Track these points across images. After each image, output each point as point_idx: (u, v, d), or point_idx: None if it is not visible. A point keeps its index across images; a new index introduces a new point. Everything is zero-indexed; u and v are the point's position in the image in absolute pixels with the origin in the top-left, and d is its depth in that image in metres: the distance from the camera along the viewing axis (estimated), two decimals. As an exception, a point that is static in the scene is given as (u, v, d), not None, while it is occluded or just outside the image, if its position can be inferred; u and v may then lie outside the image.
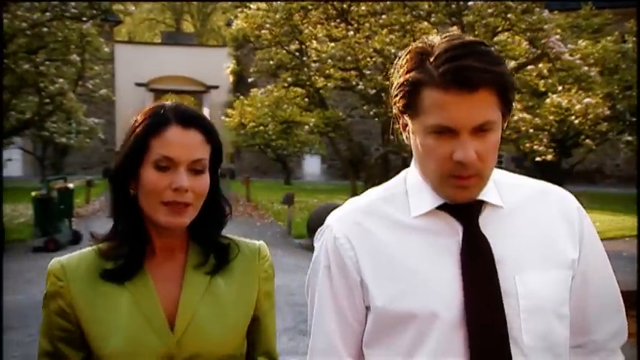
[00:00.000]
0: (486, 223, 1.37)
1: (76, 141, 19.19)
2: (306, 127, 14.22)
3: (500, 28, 12.94)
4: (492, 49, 1.31)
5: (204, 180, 1.43)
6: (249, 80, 16.17)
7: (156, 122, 1.41)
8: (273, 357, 1.60)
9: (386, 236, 1.40)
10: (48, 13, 13.01)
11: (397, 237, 1.39)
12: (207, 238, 1.51)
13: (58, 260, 1.49)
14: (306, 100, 14.87)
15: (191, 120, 1.42)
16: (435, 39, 1.30)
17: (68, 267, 1.46)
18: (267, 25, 13.81)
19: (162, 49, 33.00)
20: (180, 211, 1.40)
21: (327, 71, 12.96)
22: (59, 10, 13.11)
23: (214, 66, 26.29)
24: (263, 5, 13.95)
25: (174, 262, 1.49)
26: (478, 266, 1.34)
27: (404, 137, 1.37)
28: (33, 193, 11.41)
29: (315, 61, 13.19)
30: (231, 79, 26.54)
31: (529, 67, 13.76)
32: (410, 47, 1.33)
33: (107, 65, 21.56)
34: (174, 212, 1.40)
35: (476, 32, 12.89)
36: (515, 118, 14.52)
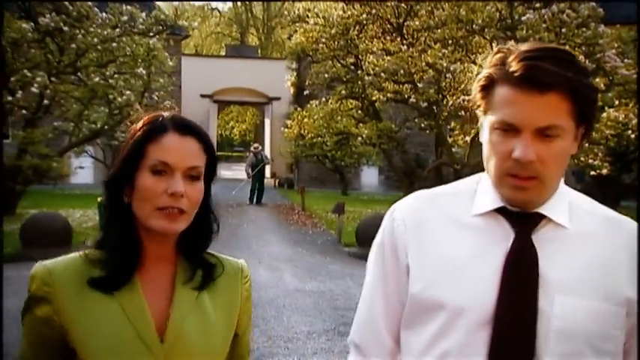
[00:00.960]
0: (544, 238, 1.35)
1: None
2: (360, 138, 14.52)
3: (554, 43, 12.96)
4: (576, 58, 1.30)
5: (199, 188, 1.44)
6: (305, 93, 16.60)
7: (153, 129, 1.42)
8: None
9: (440, 228, 1.43)
10: (117, 30, 13.78)
11: (451, 231, 1.41)
12: (195, 253, 1.51)
13: (43, 264, 1.44)
14: (361, 112, 15.18)
15: (188, 128, 1.44)
16: (524, 45, 1.32)
17: (55, 271, 1.42)
18: (324, 40, 14.21)
19: (227, 61, 33.79)
20: (174, 216, 1.40)
21: (381, 84, 13.22)
22: (128, 26, 13.86)
23: (276, 78, 26.79)
24: (320, 20, 14.35)
25: (163, 275, 1.48)
26: (519, 275, 1.33)
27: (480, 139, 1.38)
28: (99, 199, 12.08)
29: (369, 75, 13.48)
30: (291, 91, 27.13)
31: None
32: (500, 47, 1.35)
33: (174, 77, 22.37)
34: (168, 218, 1.39)
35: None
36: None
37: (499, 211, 1.37)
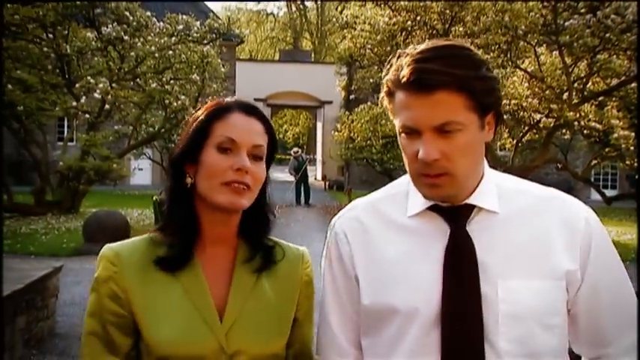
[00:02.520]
0: (478, 227, 1.38)
1: None
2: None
3: (599, 47, 13.01)
4: (469, 52, 1.32)
5: (262, 167, 1.45)
6: (351, 97, 17.01)
7: (220, 109, 1.45)
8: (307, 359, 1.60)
9: (380, 234, 1.44)
10: (174, 38, 14.52)
11: (390, 235, 1.43)
12: (256, 236, 1.52)
13: (110, 246, 1.49)
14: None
15: (253, 109, 1.47)
16: (420, 46, 1.34)
17: (121, 253, 1.47)
18: (369, 46, 14.62)
19: (280, 66, 34.30)
20: (240, 191, 1.41)
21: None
22: (183, 34, 14.59)
23: (328, 82, 27.13)
24: (367, 27, 14.76)
25: (224, 257, 1.50)
26: (459, 268, 1.35)
27: None
28: (154, 197, 12.75)
29: (413, 80, 13.81)
30: (342, 95, 27.56)
31: (632, 84, 13.66)
32: (402, 50, 1.37)
33: (228, 82, 23.09)
34: (235, 192, 1.41)
35: (574, 51, 13.08)
36: (616, 135, 14.47)
37: (432, 208, 1.39)
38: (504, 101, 13.13)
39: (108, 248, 1.48)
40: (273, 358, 1.48)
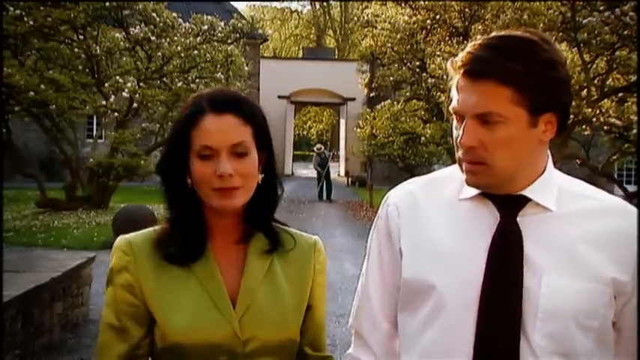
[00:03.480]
0: (530, 220, 1.36)
1: None
2: (423, 138, 15.11)
3: (618, 44, 13.12)
4: (532, 46, 1.29)
5: (249, 162, 1.44)
6: (372, 95, 17.27)
7: (192, 113, 1.44)
8: (317, 347, 1.59)
9: (432, 211, 1.44)
10: (199, 38, 14.92)
11: (441, 214, 1.43)
12: (259, 217, 1.52)
13: (124, 237, 1.51)
14: (426, 113, 15.76)
15: (225, 105, 1.44)
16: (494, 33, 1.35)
17: (135, 244, 1.49)
18: (389, 44, 14.89)
19: (303, 63, 34.66)
20: (229, 194, 1.42)
21: (443, 86, 13.79)
22: (208, 34, 14.99)
23: (351, 79, 27.26)
24: (387, 25, 15.03)
25: (232, 243, 1.51)
26: (504, 257, 1.34)
27: None
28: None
29: (432, 77, 14.07)
30: (365, 92, 27.79)
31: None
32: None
33: (252, 79, 23.43)
34: (224, 196, 1.42)
35: (592, 49, 13.21)
36: (634, 131, 14.53)
37: (485, 194, 1.38)
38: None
39: (121, 239, 1.50)
40: (286, 344, 1.49)
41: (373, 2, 16.36)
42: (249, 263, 1.50)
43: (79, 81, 14.40)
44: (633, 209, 1.41)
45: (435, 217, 1.43)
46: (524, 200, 1.37)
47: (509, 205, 1.37)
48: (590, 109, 13.14)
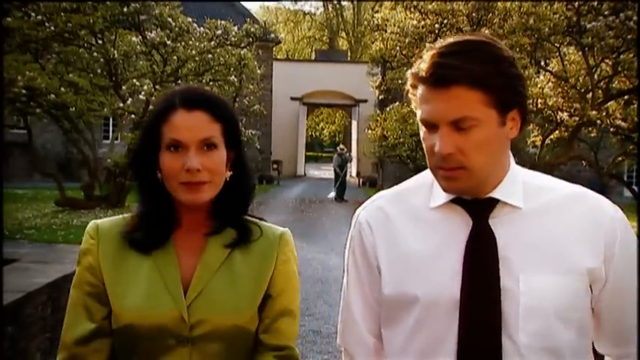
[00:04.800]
0: (501, 221, 1.37)
1: None
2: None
3: (623, 48, 13.37)
4: (489, 47, 1.30)
5: (217, 157, 1.47)
6: (381, 97, 17.56)
7: (164, 109, 1.47)
8: (280, 337, 1.57)
9: (403, 224, 1.44)
10: (213, 42, 15.30)
11: (413, 226, 1.43)
12: (228, 213, 1.54)
13: (94, 221, 1.56)
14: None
15: (195, 102, 1.47)
16: (445, 41, 1.34)
17: (102, 228, 1.54)
18: (398, 48, 15.23)
19: (316, 65, 34.91)
20: (196, 189, 1.45)
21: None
22: (222, 39, 15.38)
23: (363, 81, 27.47)
24: (396, 29, 15.36)
25: (198, 235, 1.53)
26: (479, 260, 1.35)
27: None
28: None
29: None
30: (376, 93, 28.06)
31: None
32: (430, 44, 1.37)
33: (265, 81, 23.74)
34: (191, 190, 1.45)
35: (596, 52, 13.48)
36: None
37: (455, 201, 1.39)
38: (530, 100, 13.62)
39: (92, 223, 1.56)
40: (236, 329, 1.49)
41: (383, 7, 16.71)
42: (207, 252, 1.52)
43: (97, 84, 14.78)
44: (593, 194, 1.43)
45: (408, 229, 1.44)
46: (494, 202, 1.38)
47: (479, 208, 1.38)
48: (594, 112, 13.39)
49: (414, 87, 1.36)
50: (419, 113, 1.35)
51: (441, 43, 1.34)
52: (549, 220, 1.39)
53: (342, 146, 23.69)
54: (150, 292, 1.47)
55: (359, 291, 1.51)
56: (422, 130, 1.36)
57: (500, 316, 1.33)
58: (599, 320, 1.43)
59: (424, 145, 1.37)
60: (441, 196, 1.41)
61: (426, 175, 1.47)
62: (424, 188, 1.46)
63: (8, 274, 5.11)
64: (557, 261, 1.35)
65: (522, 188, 1.40)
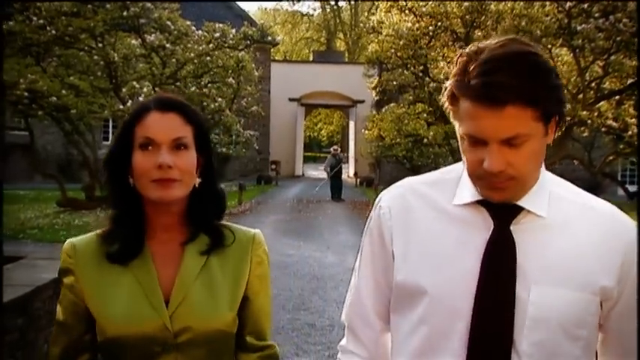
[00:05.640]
0: (523, 228, 1.36)
1: (235, 151, 20.53)
2: (426, 140, 15.70)
3: (612, 50, 13.62)
4: (536, 60, 1.27)
5: (188, 157, 1.50)
6: (376, 98, 17.82)
7: (138, 111, 1.52)
8: (260, 336, 1.62)
9: (423, 216, 1.43)
10: (211, 45, 15.56)
11: (433, 219, 1.42)
12: (202, 219, 1.57)
13: (70, 240, 1.58)
14: (429, 115, 16.36)
15: (169, 105, 1.51)
16: (487, 44, 1.29)
17: (78, 246, 1.56)
18: (393, 50, 15.48)
19: (314, 66, 35.13)
20: (167, 185, 1.47)
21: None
22: (220, 41, 15.65)
23: (360, 82, 27.59)
24: (391, 32, 15.63)
25: (173, 243, 1.55)
26: (498, 267, 1.34)
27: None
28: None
29: (434, 81, 14.65)
30: (373, 94, 28.31)
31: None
32: (463, 50, 1.32)
33: (264, 82, 23.94)
34: (162, 187, 1.47)
35: (586, 54, 13.75)
36: (630, 132, 15.04)
37: (480, 202, 1.37)
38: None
39: (68, 243, 1.58)
40: (218, 333, 1.53)
41: (378, 10, 16.98)
42: (185, 260, 1.54)
43: (97, 86, 15.01)
44: (620, 214, 1.42)
45: (428, 221, 1.43)
46: (518, 209, 1.36)
47: (503, 213, 1.36)
48: (585, 112, 13.65)
49: (454, 98, 1.32)
50: (461, 126, 1.31)
51: (477, 50, 1.29)
52: (570, 233, 1.38)
53: (335, 147, 24.00)
54: (132, 304, 1.50)
55: (370, 273, 1.52)
56: (463, 142, 1.32)
57: (512, 325, 1.32)
58: (606, 338, 1.43)
59: (465, 157, 1.34)
60: (468, 195, 1.40)
61: (451, 170, 1.49)
62: (449, 183, 1.45)
63: (16, 270, 5.37)
64: (572, 276, 1.34)
65: (549, 197, 1.39)
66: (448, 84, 1.34)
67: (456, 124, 1.34)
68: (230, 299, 1.56)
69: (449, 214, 1.42)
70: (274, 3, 59.78)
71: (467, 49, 1.31)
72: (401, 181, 1.54)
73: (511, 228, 1.36)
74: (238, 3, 29.83)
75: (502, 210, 1.37)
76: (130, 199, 1.53)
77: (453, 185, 1.44)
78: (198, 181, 1.56)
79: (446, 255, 1.39)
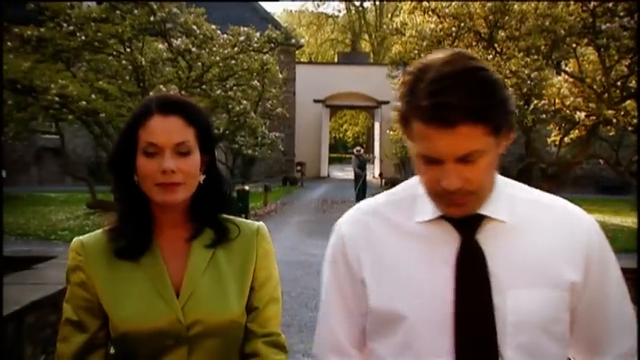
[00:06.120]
0: (487, 236, 1.37)
1: (260, 153, 20.80)
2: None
3: (638, 49, 13.51)
4: (484, 75, 1.26)
5: (191, 160, 1.52)
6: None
7: (141, 114, 1.52)
8: (265, 325, 1.63)
9: (388, 239, 1.43)
10: (236, 48, 15.74)
11: (398, 241, 1.42)
12: (205, 215, 1.60)
13: (78, 238, 1.59)
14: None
15: (171, 108, 1.52)
16: (433, 61, 1.27)
17: (87, 244, 1.57)
18: (416, 51, 15.54)
19: (338, 68, 35.26)
20: (171, 189, 1.49)
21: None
22: (245, 45, 15.82)
23: (385, 83, 27.46)
24: (414, 33, 15.68)
25: (180, 239, 1.58)
26: (471, 277, 1.34)
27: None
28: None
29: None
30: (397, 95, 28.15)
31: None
32: (410, 68, 1.30)
33: (289, 84, 24.05)
34: (166, 191, 1.49)
35: (611, 53, 13.67)
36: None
37: (442, 216, 1.37)
38: (547, 101, 13.84)
39: (75, 240, 1.60)
40: (228, 324, 1.56)
41: (402, 11, 17.03)
42: (192, 255, 1.58)
43: (125, 90, 15.22)
44: (573, 207, 1.45)
45: (392, 243, 1.42)
46: (480, 217, 1.37)
47: (467, 224, 1.37)
48: (611, 111, 13.56)
49: (405, 119, 1.31)
50: (415, 146, 1.31)
51: (424, 66, 1.28)
52: (533, 233, 1.39)
53: (358, 148, 24.05)
54: (144, 300, 1.52)
55: (340, 302, 1.49)
56: (418, 161, 1.33)
57: (495, 332, 1.33)
58: (574, 329, 1.44)
59: (421, 174, 1.35)
60: (429, 212, 1.40)
61: (404, 189, 1.49)
62: (405, 202, 1.45)
63: (48, 269, 5.59)
64: (543, 275, 1.36)
65: (507, 201, 1.40)
66: (397, 108, 1.32)
67: (410, 144, 1.33)
68: (238, 291, 1.59)
69: (413, 233, 1.42)
70: (300, 4, 59.97)
71: (412, 67, 1.30)
72: (356, 205, 1.55)
73: (477, 237, 1.37)
74: (263, 5, 29.98)
75: (465, 221, 1.37)
76: (135, 197, 1.56)
77: (411, 203, 1.44)
78: (202, 177, 1.59)
79: (418, 275, 1.38)
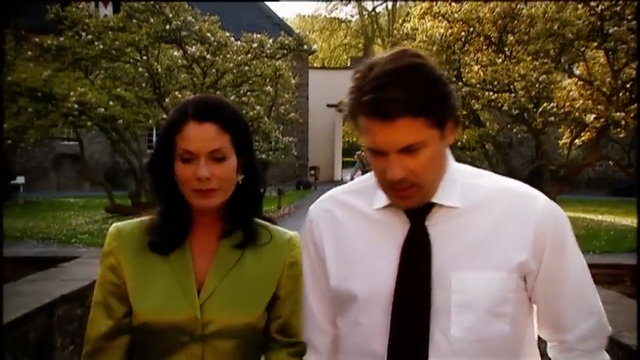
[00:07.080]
0: (436, 222, 1.43)
1: (274, 157, 20.45)
2: (459, 143, 15.89)
3: (644, 52, 13.66)
4: (425, 71, 1.32)
5: (227, 165, 1.54)
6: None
7: (177, 120, 1.54)
8: (290, 334, 1.64)
9: (347, 224, 1.51)
10: (249, 55, 16.01)
11: (356, 225, 1.50)
12: (238, 214, 1.61)
13: (115, 225, 1.63)
14: (463, 119, 16.53)
15: (206, 114, 1.53)
16: (379, 60, 1.35)
17: (122, 231, 1.62)
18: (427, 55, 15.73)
19: (351, 72, 35.24)
20: (206, 195, 1.53)
21: (477, 94, 14.54)
22: (258, 51, 16.10)
23: None
24: (424, 38, 15.90)
25: (212, 236, 1.61)
26: (413, 260, 1.41)
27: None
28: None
29: (467, 85, 14.88)
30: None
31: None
32: (359, 66, 1.37)
33: (301, 89, 24.23)
34: (202, 197, 1.53)
35: (618, 56, 13.81)
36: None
37: None
38: (557, 103, 14.00)
39: (113, 227, 1.65)
40: (246, 327, 1.57)
41: (412, 17, 17.26)
42: (219, 254, 1.60)
43: (142, 97, 15.57)
44: (536, 193, 1.48)
45: (351, 228, 1.51)
46: (431, 205, 1.44)
47: (417, 211, 1.44)
48: (619, 113, 13.69)
49: (352, 115, 1.38)
50: (364, 140, 1.38)
51: (370, 64, 1.35)
52: (482, 217, 1.44)
53: (359, 151, 24.33)
54: (166, 293, 1.55)
55: (314, 281, 1.59)
56: (367, 153, 1.41)
57: (428, 311, 1.39)
58: (538, 309, 1.50)
59: (373, 168, 1.42)
60: (383, 199, 1.47)
61: (367, 179, 1.56)
62: (367, 190, 1.52)
63: (73, 267, 5.91)
64: (488, 257, 1.40)
65: (461, 188, 1.46)
66: (346, 105, 1.41)
67: (362, 139, 1.40)
68: (260, 295, 1.61)
69: (370, 218, 1.50)
70: (312, 9, 60.21)
71: (360, 66, 1.39)
72: (325, 193, 1.64)
73: (426, 224, 1.44)
74: (276, 11, 30.27)
75: (416, 209, 1.44)
76: (175, 196, 1.59)
77: (372, 191, 1.50)
78: (240, 177, 1.62)
79: (369, 258, 1.46)
